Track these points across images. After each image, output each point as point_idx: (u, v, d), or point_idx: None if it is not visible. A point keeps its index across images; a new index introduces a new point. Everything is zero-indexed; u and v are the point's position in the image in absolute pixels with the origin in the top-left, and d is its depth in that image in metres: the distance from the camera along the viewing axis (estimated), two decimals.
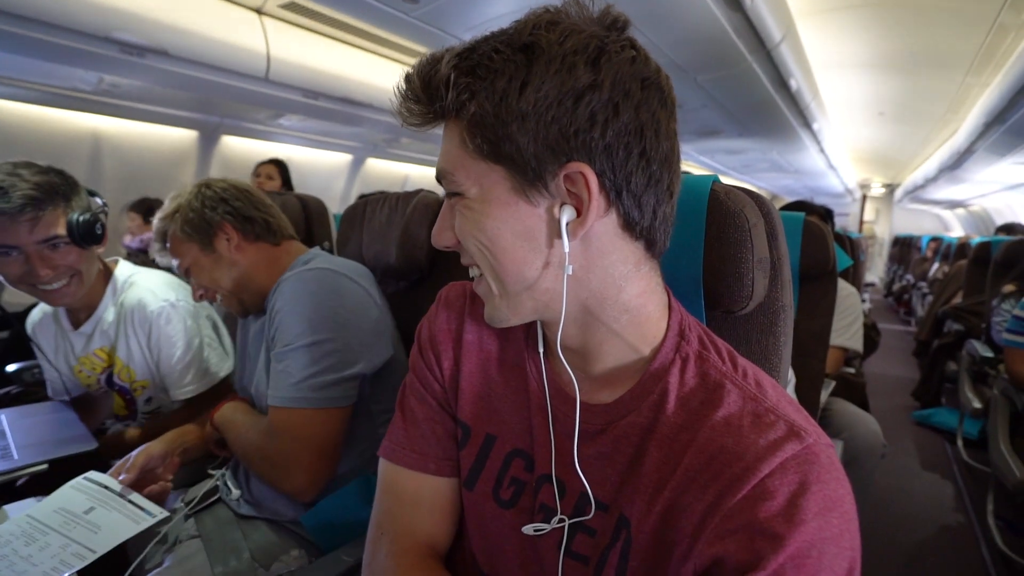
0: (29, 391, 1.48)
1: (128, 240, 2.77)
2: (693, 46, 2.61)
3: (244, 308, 0.99)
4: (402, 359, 0.98)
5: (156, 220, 0.98)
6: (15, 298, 2.12)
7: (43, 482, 0.88)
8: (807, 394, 1.32)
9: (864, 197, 11.06)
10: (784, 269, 0.60)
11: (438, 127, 0.45)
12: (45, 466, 0.89)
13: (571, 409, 0.49)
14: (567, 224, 0.42)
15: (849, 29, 3.40)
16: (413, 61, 0.44)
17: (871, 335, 2.40)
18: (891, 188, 10.67)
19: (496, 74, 0.40)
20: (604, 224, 0.43)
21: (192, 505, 0.94)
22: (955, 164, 5.18)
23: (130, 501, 0.82)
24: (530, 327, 0.55)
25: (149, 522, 0.78)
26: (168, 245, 0.97)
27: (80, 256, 1.06)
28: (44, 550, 0.70)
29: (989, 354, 2.14)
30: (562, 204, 0.42)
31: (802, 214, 1.28)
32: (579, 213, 0.42)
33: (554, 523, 0.49)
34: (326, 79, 2.86)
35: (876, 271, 10.62)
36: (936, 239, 6.42)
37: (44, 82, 2.48)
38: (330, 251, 1.32)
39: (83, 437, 1.01)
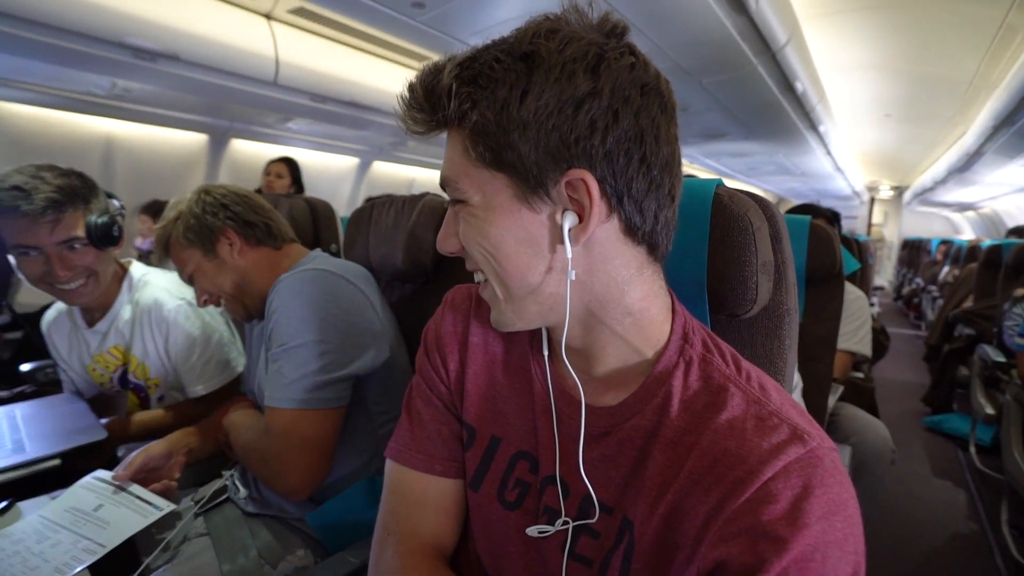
0: (42, 390, 1.50)
1: (139, 242, 2.81)
2: (697, 49, 2.61)
3: (247, 312, 1.00)
4: (405, 361, 0.98)
5: (157, 228, 0.99)
6: (27, 299, 2.15)
7: (55, 474, 0.89)
8: (814, 398, 1.31)
9: (872, 200, 10.97)
10: (788, 272, 0.60)
11: (441, 134, 0.46)
12: (57, 461, 0.91)
13: (575, 411, 0.49)
14: (569, 230, 0.42)
15: (855, 31, 3.38)
16: (420, 65, 0.45)
17: (880, 339, 2.37)
18: (900, 191, 10.59)
19: (497, 83, 0.41)
20: (606, 229, 0.44)
21: (202, 504, 0.95)
22: (964, 166, 5.13)
23: (137, 496, 0.83)
24: (535, 330, 0.55)
25: (156, 515, 0.80)
26: (170, 252, 0.98)
27: (97, 257, 1.09)
28: (56, 547, 0.71)
29: (1001, 359, 2.11)
30: (564, 210, 0.43)
31: (808, 217, 1.27)
32: (581, 219, 0.42)
33: (558, 525, 0.50)
34: (334, 83, 2.89)
35: (885, 274, 10.52)
36: (946, 242, 6.35)
37: (59, 86, 2.53)
38: (337, 254, 1.33)
39: (93, 427, 1.03)
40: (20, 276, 1.04)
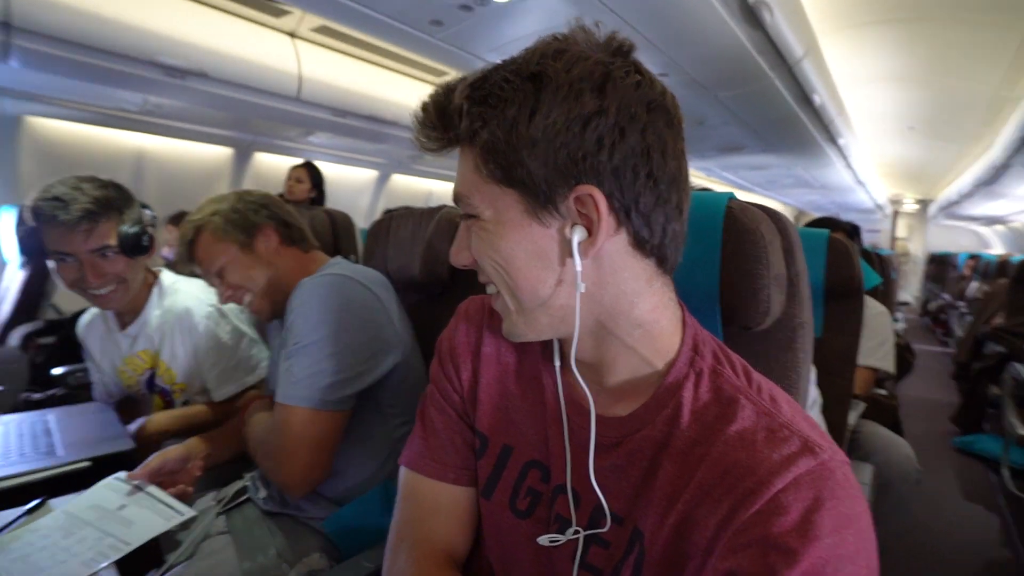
0: (72, 393, 1.55)
1: (166, 251, 2.89)
2: (713, 64, 2.61)
3: (273, 310, 1.02)
4: (420, 366, 1.00)
5: (185, 222, 1.00)
6: (66, 304, 2.24)
7: (83, 477, 0.92)
8: (834, 414, 1.28)
9: (896, 213, 10.74)
10: (802, 285, 0.60)
11: (455, 150, 0.47)
12: (87, 463, 0.94)
13: (586, 421, 0.49)
14: (578, 244, 0.43)
15: (874, 44, 3.36)
16: (438, 80, 0.47)
17: (905, 356, 2.31)
18: (924, 204, 10.35)
19: (506, 103, 0.42)
20: (615, 243, 0.44)
21: (224, 503, 0.97)
22: (991, 179, 5.00)
23: (158, 499, 0.85)
24: (547, 340, 0.56)
25: (178, 520, 0.82)
26: (197, 247, 0.99)
27: (127, 265, 1.13)
28: (82, 542, 0.74)
29: None
30: (573, 225, 0.44)
31: (826, 231, 1.26)
32: (590, 233, 0.43)
33: (569, 534, 0.50)
34: (354, 98, 2.97)
35: (911, 290, 10.25)
36: (974, 256, 6.18)
37: (95, 103, 2.66)
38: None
39: (121, 437, 1.06)
40: (57, 280, 1.10)
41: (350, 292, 0.91)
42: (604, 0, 1.94)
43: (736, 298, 0.57)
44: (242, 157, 3.67)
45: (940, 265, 7.97)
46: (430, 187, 5.35)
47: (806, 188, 7.52)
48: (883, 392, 1.85)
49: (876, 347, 1.71)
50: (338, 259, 1.07)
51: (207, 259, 0.99)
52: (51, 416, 1.14)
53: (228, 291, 0.99)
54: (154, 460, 0.94)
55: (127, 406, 1.32)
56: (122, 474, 0.90)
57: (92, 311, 1.31)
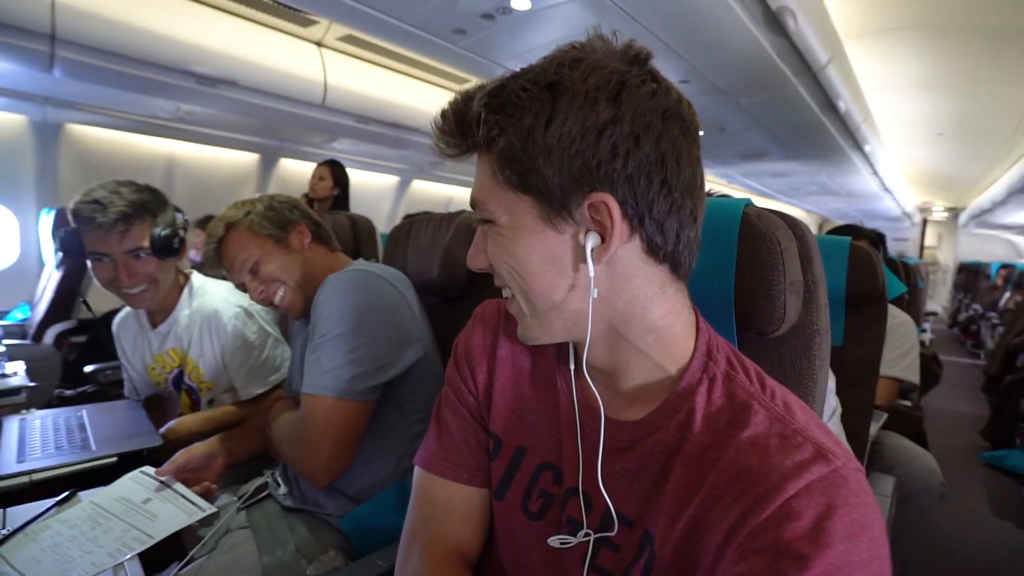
0: (103, 390, 1.62)
1: (194, 255, 2.98)
2: (735, 70, 2.59)
3: (304, 306, 1.03)
4: (439, 364, 1.02)
5: (215, 222, 1.03)
6: (98, 304, 2.32)
7: (112, 471, 0.96)
8: (855, 424, 1.25)
9: (924, 221, 10.44)
10: (819, 292, 0.60)
11: (473, 157, 0.49)
12: (115, 459, 0.98)
13: (599, 425, 0.50)
14: (592, 250, 0.44)
15: (902, 50, 3.29)
16: (459, 87, 0.48)
17: (931, 367, 2.25)
18: (955, 212, 10.03)
19: (523, 111, 0.43)
20: (628, 249, 0.45)
21: (245, 499, 1.00)
22: None
23: (182, 495, 0.88)
24: (561, 344, 0.56)
25: (200, 515, 0.85)
26: (228, 244, 1.00)
27: (159, 266, 1.19)
28: (108, 533, 0.77)
29: None
30: (587, 231, 0.45)
31: (848, 238, 1.24)
32: (603, 239, 0.44)
33: (580, 537, 0.50)
34: (377, 105, 3.03)
35: (939, 300, 9.94)
36: (1007, 266, 5.97)
37: (130, 110, 2.77)
38: None
39: (150, 433, 1.10)
40: (94, 279, 1.16)
41: (375, 287, 0.94)
42: (625, 8, 1.95)
43: (751, 304, 0.57)
44: (268, 163, 3.77)
45: (971, 275, 7.71)
46: (450, 192, 5.40)
47: (830, 195, 7.37)
48: (907, 403, 1.81)
49: (900, 357, 1.67)
50: (360, 261, 1.10)
51: (239, 255, 1.00)
52: (85, 412, 1.19)
53: (260, 287, 1.00)
54: (180, 457, 0.97)
55: (154, 403, 1.37)
56: (148, 468, 0.93)
57: (126, 309, 1.37)
